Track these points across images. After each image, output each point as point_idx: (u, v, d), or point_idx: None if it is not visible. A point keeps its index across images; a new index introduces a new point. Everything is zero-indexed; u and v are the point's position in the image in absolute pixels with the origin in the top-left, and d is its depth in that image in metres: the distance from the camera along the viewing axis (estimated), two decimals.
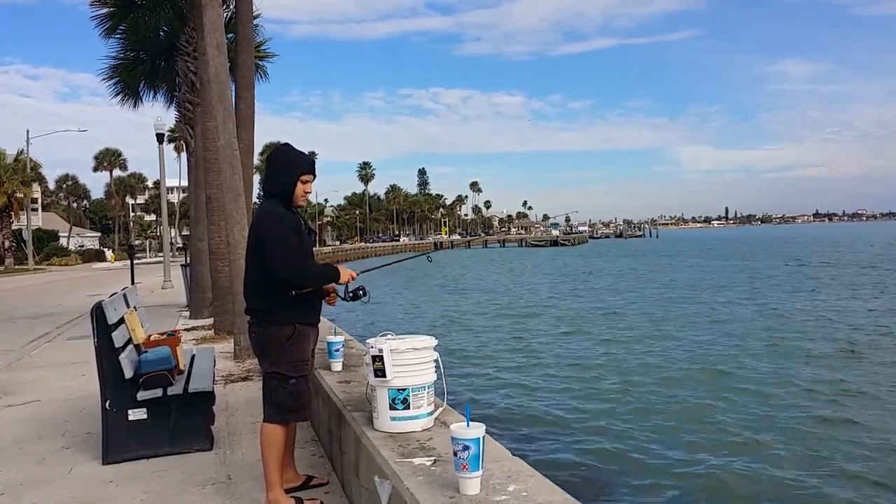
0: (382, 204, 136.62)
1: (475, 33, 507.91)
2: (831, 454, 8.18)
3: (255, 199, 14.36)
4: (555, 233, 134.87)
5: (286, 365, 3.53)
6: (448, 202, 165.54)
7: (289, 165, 3.61)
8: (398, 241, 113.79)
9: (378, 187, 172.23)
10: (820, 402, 10.53)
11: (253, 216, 3.73)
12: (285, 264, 3.42)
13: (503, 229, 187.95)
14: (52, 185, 76.66)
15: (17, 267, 46.86)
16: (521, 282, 39.72)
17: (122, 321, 4.70)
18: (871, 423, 9.33)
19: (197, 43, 11.64)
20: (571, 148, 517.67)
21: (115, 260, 58.18)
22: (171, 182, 46.87)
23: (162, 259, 27.59)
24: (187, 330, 10.92)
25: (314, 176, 3.68)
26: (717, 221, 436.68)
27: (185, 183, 22.93)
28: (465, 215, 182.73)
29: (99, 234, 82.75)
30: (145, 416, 4.52)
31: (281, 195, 3.58)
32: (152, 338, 5.09)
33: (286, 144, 3.76)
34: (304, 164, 3.63)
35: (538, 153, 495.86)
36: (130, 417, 4.50)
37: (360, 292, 3.74)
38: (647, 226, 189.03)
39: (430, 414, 3.43)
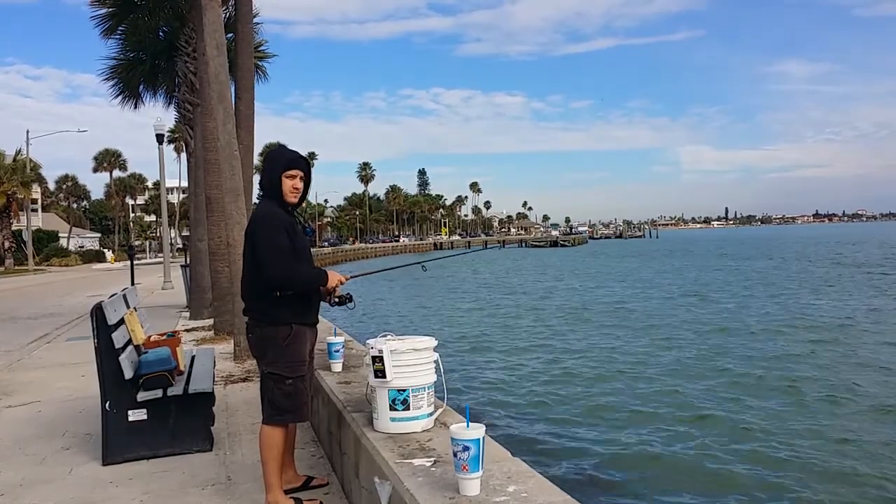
0: (382, 204, 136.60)
1: (476, 34, 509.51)
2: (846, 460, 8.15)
3: (254, 200, 14.36)
4: (555, 233, 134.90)
5: (282, 365, 3.53)
6: (448, 203, 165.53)
7: (271, 164, 3.64)
8: (398, 241, 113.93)
9: (378, 188, 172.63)
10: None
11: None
12: (272, 267, 3.43)
13: (503, 230, 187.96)
14: (51, 186, 76.63)
15: (16, 267, 46.85)
16: (521, 280, 39.73)
17: (121, 322, 4.70)
18: None
19: (196, 43, 11.65)
20: (572, 148, 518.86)
21: (115, 260, 58.14)
22: (170, 183, 46.95)
23: (162, 260, 27.60)
24: (187, 331, 10.91)
25: (300, 170, 3.64)
26: (716, 222, 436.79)
27: (184, 183, 22.95)
28: (465, 216, 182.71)
29: (99, 235, 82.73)
30: (145, 417, 4.52)
31: (273, 195, 3.61)
32: (152, 338, 5.09)
33: (278, 145, 3.83)
34: (283, 160, 3.62)
35: (538, 153, 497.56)
36: (130, 418, 4.50)
37: (346, 299, 3.73)
38: (646, 226, 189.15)
39: (430, 415, 3.43)
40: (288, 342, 3.53)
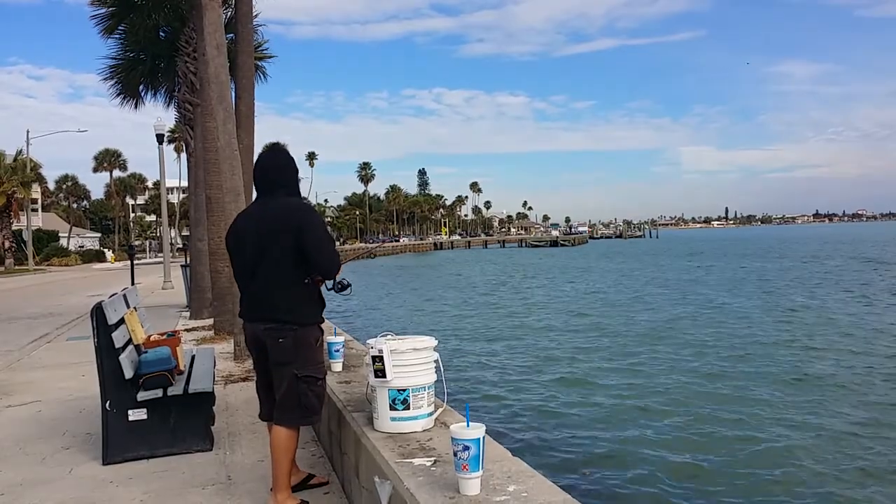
0: (382, 204, 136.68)
1: (479, 34, 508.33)
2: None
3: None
4: (555, 233, 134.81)
5: (315, 367, 3.54)
6: (448, 203, 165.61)
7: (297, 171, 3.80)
8: (398, 241, 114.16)
9: (379, 188, 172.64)
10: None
11: (277, 211, 3.51)
12: (333, 254, 3.49)
13: (503, 230, 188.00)
14: (52, 186, 76.53)
15: (17, 267, 46.85)
16: (521, 281, 39.75)
17: (122, 321, 4.70)
18: None
19: (197, 43, 11.66)
20: (572, 148, 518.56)
21: (115, 260, 58.21)
22: (171, 182, 46.89)
23: (162, 259, 27.60)
24: (187, 330, 10.92)
25: None
26: (717, 222, 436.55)
27: (185, 183, 22.96)
28: (465, 216, 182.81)
29: (99, 235, 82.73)
30: (145, 417, 4.52)
31: (298, 195, 3.71)
32: (152, 338, 5.09)
33: (282, 145, 3.87)
34: None
35: (539, 153, 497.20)
36: (130, 418, 4.50)
37: (346, 283, 3.76)
38: (646, 226, 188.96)
39: (431, 414, 3.43)
40: (319, 343, 3.59)
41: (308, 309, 3.53)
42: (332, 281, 3.69)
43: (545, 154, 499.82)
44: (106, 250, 66.30)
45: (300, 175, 3.88)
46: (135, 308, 5.26)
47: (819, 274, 37.29)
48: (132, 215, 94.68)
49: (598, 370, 13.28)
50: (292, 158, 3.76)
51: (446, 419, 3.50)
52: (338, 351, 4.96)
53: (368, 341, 3.53)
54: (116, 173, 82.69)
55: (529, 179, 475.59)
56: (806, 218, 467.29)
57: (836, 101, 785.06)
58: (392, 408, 3.34)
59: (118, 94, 15.11)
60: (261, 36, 15.37)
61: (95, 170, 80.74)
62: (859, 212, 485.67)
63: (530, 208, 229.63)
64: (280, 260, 3.43)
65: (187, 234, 24.16)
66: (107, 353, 4.39)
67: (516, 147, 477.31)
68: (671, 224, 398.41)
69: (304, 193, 4.30)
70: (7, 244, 48.37)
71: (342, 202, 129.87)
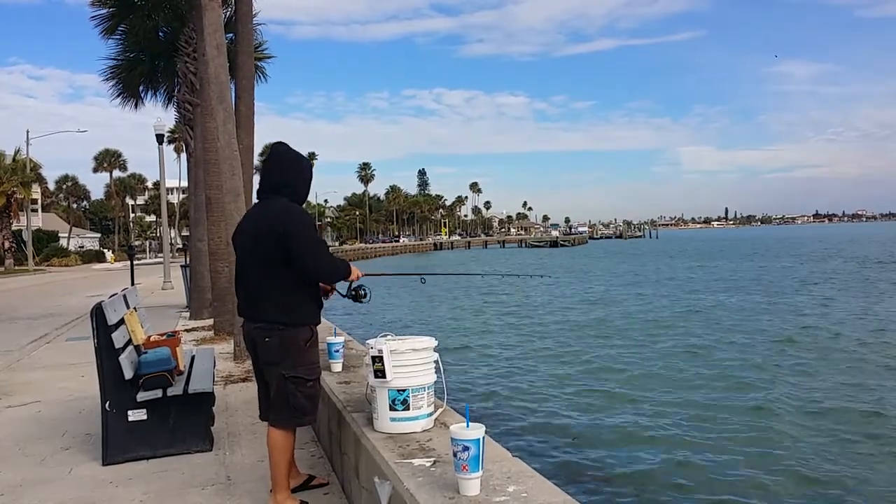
0: (382, 205, 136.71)
1: (479, 34, 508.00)
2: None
3: (255, 199, 14.35)
4: (555, 233, 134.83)
5: (304, 368, 3.53)
6: (448, 203, 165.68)
7: (307, 171, 3.72)
8: (398, 241, 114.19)
9: (379, 188, 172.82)
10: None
11: (274, 212, 3.52)
12: (320, 259, 3.46)
13: (503, 230, 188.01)
14: (52, 186, 76.64)
15: (16, 268, 46.83)
16: (521, 280, 39.63)
17: (121, 322, 4.70)
18: None
19: (196, 44, 11.67)
20: (572, 148, 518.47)
21: (115, 261, 58.22)
22: (170, 183, 46.91)
23: (162, 260, 27.62)
24: (187, 331, 10.92)
25: None
26: (716, 222, 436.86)
27: (184, 183, 22.95)
28: (465, 216, 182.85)
29: (99, 235, 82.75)
30: (145, 417, 4.53)
31: (301, 196, 3.65)
32: (152, 339, 5.09)
33: (287, 145, 3.77)
34: (311, 169, 3.77)
35: (539, 154, 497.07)
36: (130, 418, 4.50)
37: (362, 292, 3.76)
38: (646, 226, 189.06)
39: (430, 415, 3.43)
40: (310, 344, 3.56)
41: (301, 309, 3.51)
42: (345, 288, 3.71)
43: (545, 154, 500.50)
44: (106, 251, 66.27)
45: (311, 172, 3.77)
46: (135, 308, 5.26)
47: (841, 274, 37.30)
48: (132, 215, 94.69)
49: (599, 369, 13.29)
50: (297, 158, 3.68)
51: (446, 419, 3.50)
52: (337, 351, 4.96)
53: (368, 341, 3.53)
54: (116, 173, 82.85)
55: (529, 179, 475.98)
56: (806, 218, 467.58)
57: (836, 101, 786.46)
58: (392, 408, 3.34)
59: (118, 95, 15.12)
60: (260, 36, 15.41)
61: (95, 170, 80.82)
62: (859, 212, 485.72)
63: (530, 208, 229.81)
64: (272, 261, 3.45)
65: (187, 234, 24.18)
66: (106, 354, 4.39)
67: (516, 147, 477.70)
68: (671, 224, 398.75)
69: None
70: (7, 244, 48.35)
71: (342, 202, 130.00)
